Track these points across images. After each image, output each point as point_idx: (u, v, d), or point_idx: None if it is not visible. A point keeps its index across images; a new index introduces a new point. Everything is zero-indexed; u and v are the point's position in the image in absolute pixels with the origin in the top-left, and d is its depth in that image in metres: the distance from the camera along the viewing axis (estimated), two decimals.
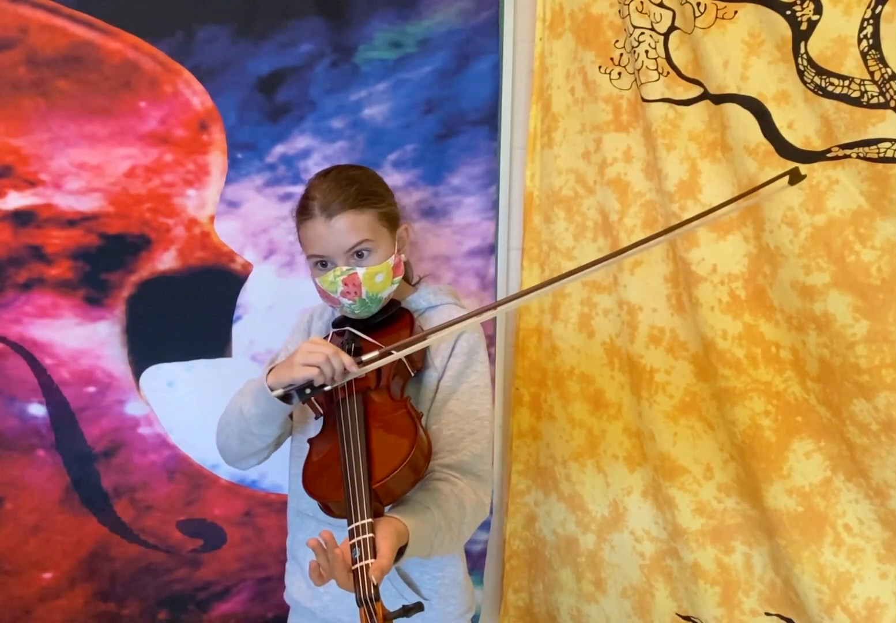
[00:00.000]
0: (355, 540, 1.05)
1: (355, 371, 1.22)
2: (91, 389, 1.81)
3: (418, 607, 1.04)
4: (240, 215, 1.78)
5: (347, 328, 1.41)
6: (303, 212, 1.36)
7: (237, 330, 1.85)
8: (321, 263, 1.36)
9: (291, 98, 1.75)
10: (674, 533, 1.71)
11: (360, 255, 1.34)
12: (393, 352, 1.23)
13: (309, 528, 1.45)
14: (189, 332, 1.83)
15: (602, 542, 1.86)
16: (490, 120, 1.81)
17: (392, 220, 1.40)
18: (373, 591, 1.00)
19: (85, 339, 1.78)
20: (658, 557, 1.78)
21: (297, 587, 1.50)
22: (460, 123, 1.80)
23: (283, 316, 1.78)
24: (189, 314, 1.82)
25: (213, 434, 1.51)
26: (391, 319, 1.41)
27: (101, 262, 1.75)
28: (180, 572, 1.96)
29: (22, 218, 1.70)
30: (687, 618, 1.76)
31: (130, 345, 1.81)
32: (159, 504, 1.90)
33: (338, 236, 1.32)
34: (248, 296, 1.83)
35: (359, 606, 1.01)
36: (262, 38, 1.71)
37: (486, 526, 2.05)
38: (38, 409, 1.80)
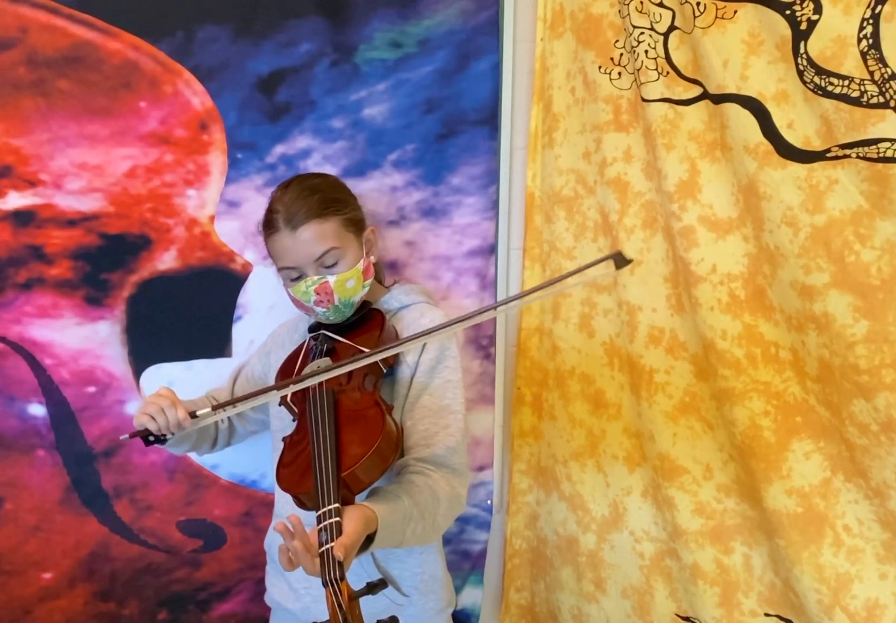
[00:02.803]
0: (322, 525, 1.08)
1: (188, 425, 1.31)
2: (91, 389, 1.81)
3: (382, 584, 1.07)
4: (240, 215, 1.78)
5: (321, 332, 1.45)
6: (268, 226, 1.39)
7: (237, 330, 1.84)
8: (292, 275, 1.39)
9: (291, 98, 1.74)
10: (673, 533, 1.71)
11: (329, 263, 1.37)
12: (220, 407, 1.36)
13: None
14: (189, 332, 1.83)
15: (602, 541, 1.86)
16: (490, 120, 1.81)
17: (357, 224, 1.43)
18: (338, 572, 1.03)
19: (85, 339, 1.78)
20: (657, 558, 1.78)
21: (279, 589, 1.52)
22: (460, 123, 1.80)
23: (283, 316, 1.78)
24: (189, 314, 1.82)
25: None
26: (362, 320, 1.45)
27: (101, 262, 1.75)
28: (180, 572, 1.96)
29: (22, 218, 1.70)
30: (686, 618, 1.76)
31: (130, 345, 1.81)
32: (159, 504, 1.91)
33: (304, 247, 1.35)
34: (248, 296, 1.83)
35: (324, 587, 1.03)
36: (262, 38, 1.71)
37: (485, 525, 2.05)
38: (38, 409, 1.80)
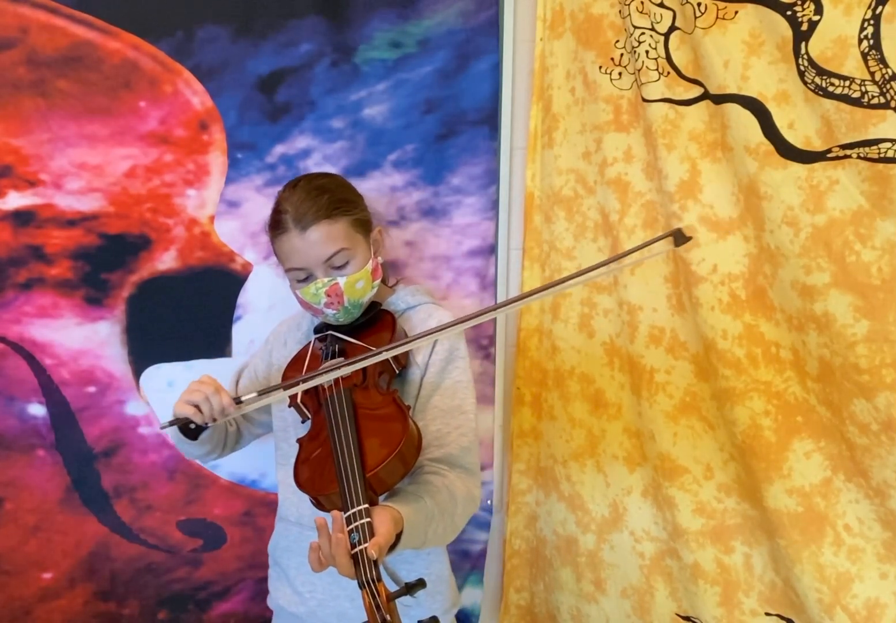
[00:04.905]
0: (353, 525, 1.07)
1: (233, 412, 1.28)
2: (91, 389, 1.81)
3: (420, 584, 1.06)
4: (240, 215, 1.78)
5: (329, 332, 1.43)
6: (276, 226, 1.37)
7: (237, 330, 1.84)
8: (300, 276, 1.37)
9: (291, 98, 1.75)
10: (674, 533, 1.71)
11: (338, 264, 1.35)
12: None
13: (291, 535, 1.48)
14: (189, 332, 1.83)
15: (602, 542, 1.86)
16: (490, 120, 1.81)
17: (365, 224, 1.41)
18: (374, 573, 1.02)
19: (85, 339, 1.79)
20: (658, 557, 1.78)
21: (283, 593, 1.51)
22: (460, 123, 1.80)
23: (283, 316, 1.78)
24: (189, 314, 1.82)
25: None
26: (372, 321, 1.43)
27: (101, 262, 1.76)
28: (180, 572, 1.96)
29: (22, 218, 1.70)
30: (687, 618, 1.76)
31: (130, 345, 1.81)
32: (159, 504, 1.91)
33: (314, 248, 1.33)
34: (248, 296, 1.83)
35: (361, 589, 1.02)
36: (262, 38, 1.71)
37: (485, 525, 2.05)
38: (38, 409, 1.80)
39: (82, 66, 1.65)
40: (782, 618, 1.62)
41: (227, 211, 1.78)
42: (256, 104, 1.74)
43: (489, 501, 2.04)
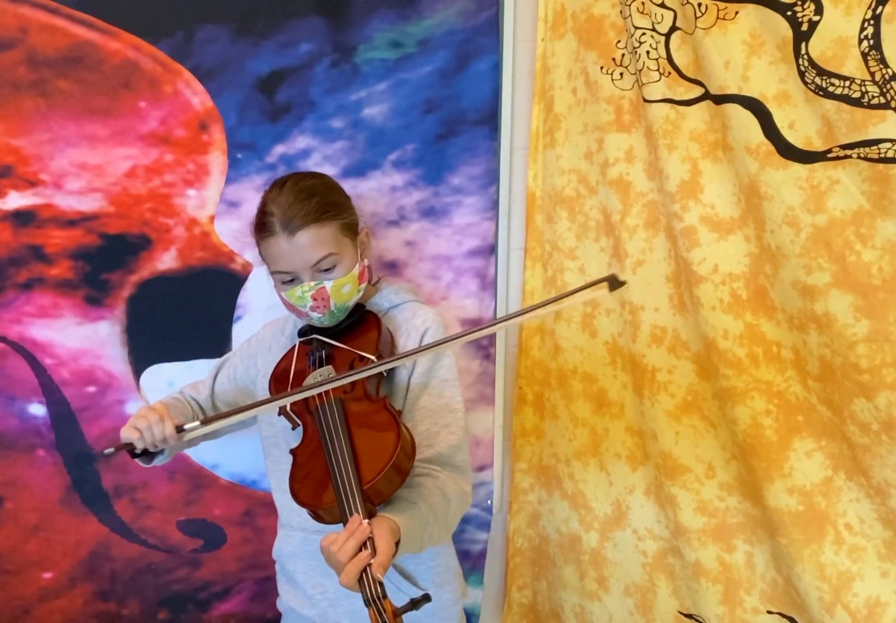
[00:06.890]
0: None
1: (174, 441, 1.27)
2: (91, 389, 1.81)
3: (426, 599, 1.07)
4: (240, 215, 1.78)
5: (314, 337, 1.41)
6: (262, 229, 1.34)
7: (237, 330, 1.84)
8: (286, 279, 1.35)
9: (291, 98, 1.74)
10: (676, 531, 1.72)
11: (325, 268, 1.33)
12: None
13: (295, 541, 1.47)
14: (189, 332, 1.83)
15: (605, 540, 1.87)
16: (490, 120, 1.81)
17: (353, 228, 1.40)
18: (379, 590, 1.03)
19: (85, 338, 1.78)
20: (660, 556, 1.79)
21: (293, 595, 1.50)
22: (460, 123, 1.80)
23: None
24: (189, 314, 1.81)
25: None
26: (357, 323, 1.42)
27: (101, 262, 1.75)
28: (180, 572, 1.96)
29: (22, 218, 1.70)
30: (689, 616, 1.76)
31: (130, 345, 1.81)
32: (159, 504, 1.91)
33: (302, 252, 1.31)
34: (248, 296, 1.83)
35: (367, 607, 1.03)
36: (262, 38, 1.70)
37: (485, 525, 2.05)
38: (38, 409, 1.80)
39: (82, 66, 1.65)
40: (784, 616, 1.62)
41: (227, 211, 1.78)
42: (256, 104, 1.73)
43: (489, 501, 2.05)
